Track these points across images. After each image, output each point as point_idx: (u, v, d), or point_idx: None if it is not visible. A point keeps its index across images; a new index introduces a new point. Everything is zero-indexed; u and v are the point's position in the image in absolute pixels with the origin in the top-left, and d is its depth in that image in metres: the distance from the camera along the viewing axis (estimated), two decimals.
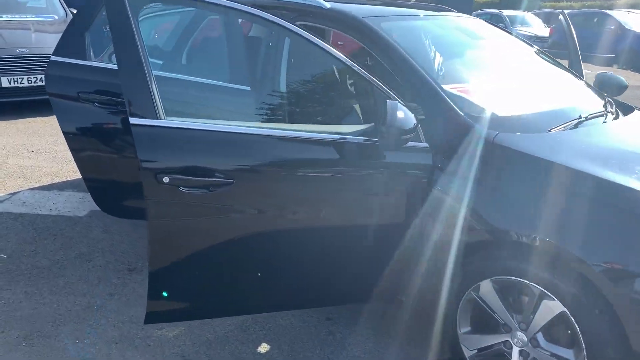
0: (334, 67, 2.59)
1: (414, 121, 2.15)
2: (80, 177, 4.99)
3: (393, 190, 2.33)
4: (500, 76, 3.00)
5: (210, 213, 2.12)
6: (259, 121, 2.49)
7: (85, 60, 2.92)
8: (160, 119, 2.02)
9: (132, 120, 1.97)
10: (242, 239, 2.22)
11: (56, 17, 7.82)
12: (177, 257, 2.19)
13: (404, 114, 2.12)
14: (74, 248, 3.62)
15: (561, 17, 4.77)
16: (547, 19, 20.97)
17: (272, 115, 2.62)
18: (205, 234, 2.18)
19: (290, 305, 2.49)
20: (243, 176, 2.12)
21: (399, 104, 2.14)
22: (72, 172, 5.03)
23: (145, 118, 2.00)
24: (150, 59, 4.09)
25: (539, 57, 3.30)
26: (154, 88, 2.01)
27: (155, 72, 2.94)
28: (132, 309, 2.96)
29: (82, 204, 4.34)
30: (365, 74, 2.30)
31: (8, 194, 4.49)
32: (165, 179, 2.00)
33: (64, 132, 2.92)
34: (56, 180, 4.85)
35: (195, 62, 3.72)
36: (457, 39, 3.20)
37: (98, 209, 4.16)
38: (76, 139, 2.93)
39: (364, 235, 2.36)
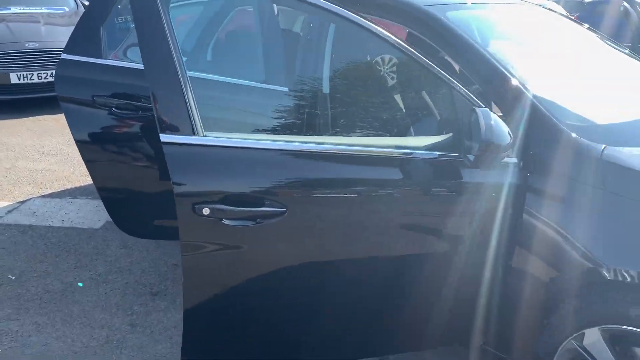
0: (396, 62, 2.18)
1: (510, 135, 1.74)
2: None
3: (475, 216, 1.92)
4: (592, 76, 2.55)
5: (257, 247, 1.72)
6: (310, 132, 2.09)
7: (101, 58, 2.52)
8: (198, 135, 1.62)
9: (164, 138, 1.58)
10: (295, 276, 1.83)
11: (67, 9, 7.45)
12: (217, 296, 1.81)
13: (498, 125, 1.70)
14: (90, 267, 3.24)
15: (623, 6, 4.34)
16: (569, 8, 20.33)
17: (322, 124, 2.21)
18: (251, 271, 1.79)
19: (355, 353, 2.08)
20: (297, 204, 1.72)
21: (491, 113, 1.72)
22: (84, 176, 4.66)
23: (180, 134, 1.60)
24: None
25: (625, 54, 2.85)
26: (190, 97, 1.61)
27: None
28: (157, 346, 2.58)
29: (96, 214, 3.97)
30: (442, 73, 1.88)
31: (17, 203, 4.12)
32: (205, 211, 1.60)
33: (76, 141, 2.54)
34: (68, 186, 4.48)
35: (222, 60, 3.32)
36: (535, 32, 2.76)
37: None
38: (91, 149, 2.55)
39: (440, 270, 1.96)
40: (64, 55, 2.52)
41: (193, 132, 1.61)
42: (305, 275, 1.82)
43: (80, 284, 3.08)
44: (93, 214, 3.97)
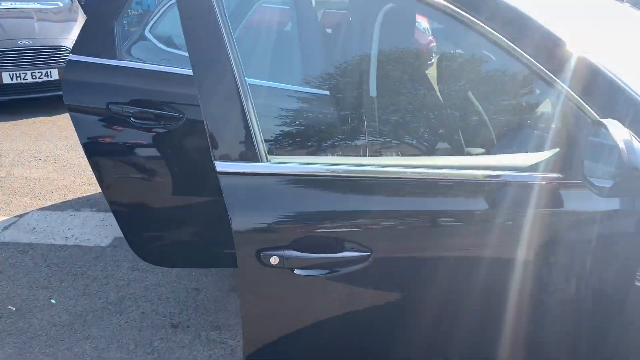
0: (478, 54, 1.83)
1: None
2: (98, 191, 4.27)
3: (591, 251, 1.56)
4: None
5: (334, 297, 1.37)
6: (375, 151, 1.73)
7: (116, 59, 2.15)
8: (262, 161, 1.26)
9: (221, 166, 1.22)
10: (375, 330, 1.48)
11: (61, 5, 7.02)
12: (281, 349, 1.45)
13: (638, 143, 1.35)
14: (100, 294, 2.88)
15: None
16: None
17: (389, 139, 1.85)
18: (324, 325, 1.43)
19: None
20: (383, 244, 1.36)
21: (624, 128, 1.37)
22: (87, 185, 4.29)
23: (240, 161, 1.24)
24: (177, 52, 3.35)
25: None
26: (252, 114, 1.25)
27: (177, 70, 2.20)
28: None
29: (103, 229, 3.60)
30: (545, 72, 1.52)
31: (15, 217, 3.75)
32: (274, 260, 1.25)
33: (89, 159, 2.17)
34: (69, 197, 4.10)
35: (251, 59, 2.95)
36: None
37: (121, 235, 3.43)
38: (107, 168, 2.18)
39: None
40: (72, 57, 2.15)
41: (257, 158, 1.25)
42: (388, 326, 1.47)
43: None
44: (99, 229, 3.60)
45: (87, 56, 2.15)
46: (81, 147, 2.16)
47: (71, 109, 2.15)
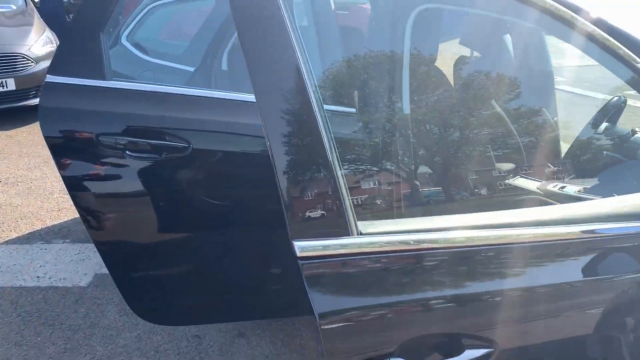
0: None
1: None
2: (70, 218, 3.81)
3: None
4: None
5: None
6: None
7: (105, 79, 1.75)
8: (353, 235, 0.91)
9: (301, 246, 0.86)
10: None
11: (14, 7, 6.45)
12: None
13: None
14: (85, 349, 2.47)
15: None
16: None
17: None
18: None
19: None
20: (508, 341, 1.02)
21: None
22: (56, 210, 3.83)
23: (328, 237, 0.89)
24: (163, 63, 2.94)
25: None
26: (337, 164, 0.89)
27: (180, 90, 1.84)
28: None
29: (80, 264, 3.17)
30: None
31: None
32: None
33: (77, 204, 1.76)
34: (38, 226, 3.64)
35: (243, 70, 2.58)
36: None
37: (103, 271, 3.02)
38: (99, 213, 1.77)
39: None
40: (49, 78, 1.73)
41: (347, 232, 0.90)
42: None
43: None
44: (76, 265, 3.16)
45: (68, 77, 1.75)
46: (46, 165, 1.75)
47: (51, 143, 1.74)
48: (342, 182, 0.88)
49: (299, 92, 0.90)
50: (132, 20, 3.05)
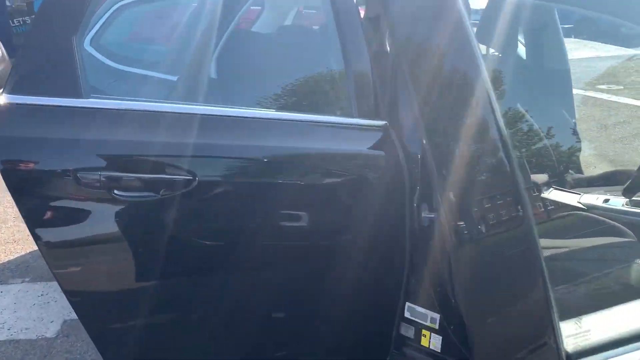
0: None
1: None
2: (29, 251, 3.32)
3: None
4: None
5: None
6: None
7: (82, 97, 1.34)
8: None
9: None
10: None
11: None
12: None
13: None
14: None
15: None
16: None
17: None
18: None
19: None
20: None
21: None
22: (12, 242, 3.34)
23: None
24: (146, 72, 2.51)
25: None
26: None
27: (165, 107, 1.46)
28: None
29: (45, 309, 2.71)
30: None
31: None
32: None
33: (49, 260, 1.34)
34: None
35: (237, 78, 2.20)
36: None
37: (72, 316, 2.58)
38: (77, 270, 1.36)
39: None
40: (7, 98, 1.31)
41: None
42: None
43: None
44: (39, 310, 2.70)
45: (33, 96, 1.32)
46: None
47: (10, 182, 1.32)
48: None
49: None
50: (97, 22, 2.61)
